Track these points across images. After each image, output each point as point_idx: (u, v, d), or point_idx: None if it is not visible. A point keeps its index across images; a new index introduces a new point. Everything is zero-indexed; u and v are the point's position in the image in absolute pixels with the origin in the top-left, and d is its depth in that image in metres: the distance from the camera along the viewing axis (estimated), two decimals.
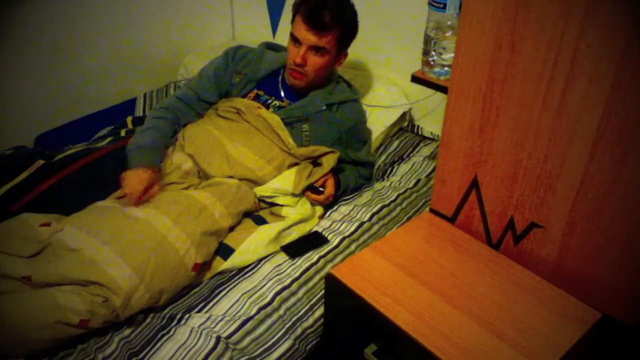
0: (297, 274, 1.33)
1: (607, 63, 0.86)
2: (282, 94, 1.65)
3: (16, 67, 1.84)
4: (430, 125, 1.91)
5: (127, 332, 1.18)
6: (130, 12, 2.09)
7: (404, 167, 1.77)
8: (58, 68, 1.94)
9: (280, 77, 1.66)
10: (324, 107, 1.62)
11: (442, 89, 1.39)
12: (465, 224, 1.20)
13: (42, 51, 1.88)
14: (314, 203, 1.54)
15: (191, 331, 1.17)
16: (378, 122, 1.84)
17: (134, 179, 1.37)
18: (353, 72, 1.96)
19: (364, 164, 1.71)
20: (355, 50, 2.01)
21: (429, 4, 1.35)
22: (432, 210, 1.26)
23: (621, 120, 0.87)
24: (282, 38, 2.20)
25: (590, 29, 0.86)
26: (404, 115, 1.89)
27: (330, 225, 1.50)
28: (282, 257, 1.38)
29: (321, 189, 1.53)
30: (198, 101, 1.64)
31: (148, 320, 1.21)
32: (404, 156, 1.83)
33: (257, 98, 1.64)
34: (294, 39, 1.53)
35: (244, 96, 1.64)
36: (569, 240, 1.02)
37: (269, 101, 1.64)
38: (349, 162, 1.67)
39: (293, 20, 1.54)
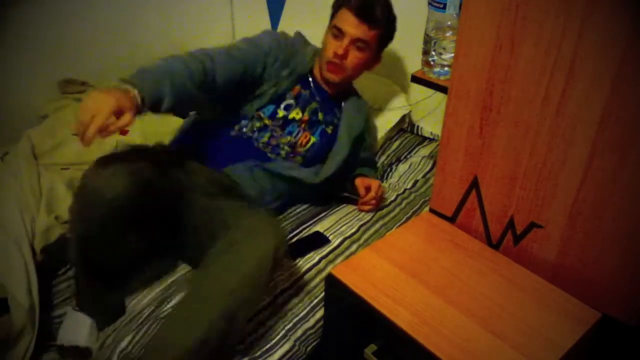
0: (298, 274, 1.33)
1: (607, 63, 0.86)
2: (316, 93, 1.60)
3: (15, 68, 1.84)
4: (430, 125, 1.91)
5: (127, 339, 1.18)
6: (130, 12, 2.09)
7: (402, 167, 1.77)
8: (58, 68, 1.94)
9: (309, 77, 1.60)
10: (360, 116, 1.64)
11: (442, 89, 1.39)
12: (465, 224, 1.20)
13: (42, 51, 1.88)
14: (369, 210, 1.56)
15: None
16: (378, 125, 1.84)
17: (96, 98, 1.08)
18: None
19: (370, 159, 1.73)
20: None
21: (429, 4, 1.35)
22: (432, 210, 1.26)
23: (621, 120, 0.87)
24: None
25: (590, 29, 0.86)
26: (403, 117, 1.89)
27: (331, 225, 1.50)
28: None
29: (354, 197, 1.55)
30: (234, 69, 1.42)
31: (151, 323, 1.21)
32: (404, 156, 1.83)
33: (298, 97, 1.56)
34: (337, 32, 1.49)
35: (289, 90, 1.54)
36: (569, 240, 1.02)
37: (308, 101, 1.58)
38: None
39: (335, 14, 1.52)
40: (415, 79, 1.46)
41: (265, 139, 1.52)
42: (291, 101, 1.54)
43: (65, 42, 1.93)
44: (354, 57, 1.50)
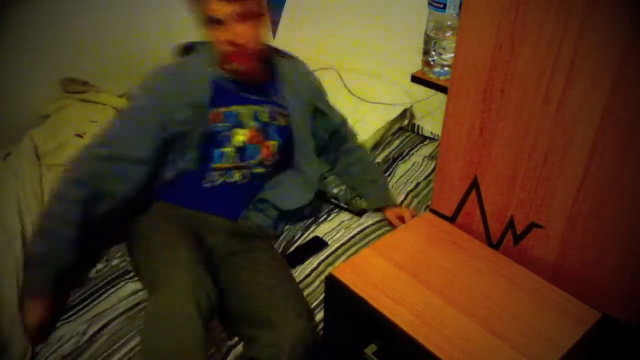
0: (299, 279, 1.33)
1: (607, 63, 0.86)
2: (242, 94, 1.38)
3: (16, 68, 1.84)
4: (431, 125, 1.91)
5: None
6: (130, 12, 2.09)
7: (403, 167, 1.76)
8: (58, 68, 1.94)
9: (222, 80, 1.36)
10: (301, 79, 1.45)
11: (442, 89, 1.39)
12: (465, 224, 1.20)
13: (42, 51, 1.88)
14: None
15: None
16: (379, 118, 1.83)
17: (28, 313, 1.16)
18: (353, 72, 1.96)
19: (343, 125, 1.59)
20: (356, 50, 2.01)
21: (429, 4, 1.35)
22: (432, 210, 1.26)
23: (621, 120, 0.87)
24: (282, 38, 2.21)
25: (590, 29, 0.86)
26: (404, 112, 1.89)
27: (331, 230, 1.49)
28: None
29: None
30: (131, 164, 1.29)
31: None
32: (406, 153, 1.82)
33: (229, 119, 1.36)
34: (214, 22, 1.25)
35: (209, 125, 1.34)
36: (569, 240, 1.02)
37: (241, 112, 1.37)
38: (330, 136, 1.55)
39: (197, 1, 1.27)
40: (415, 79, 1.46)
41: (238, 177, 1.39)
42: (226, 132, 1.36)
43: (65, 42, 1.94)
44: (247, 32, 1.27)
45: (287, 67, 1.45)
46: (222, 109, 1.36)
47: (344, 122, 1.60)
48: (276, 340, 1.11)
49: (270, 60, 1.42)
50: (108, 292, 1.27)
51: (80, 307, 1.24)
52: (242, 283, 1.24)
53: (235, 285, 1.24)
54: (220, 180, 1.38)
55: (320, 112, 1.50)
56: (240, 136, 1.37)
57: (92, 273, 1.32)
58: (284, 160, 1.47)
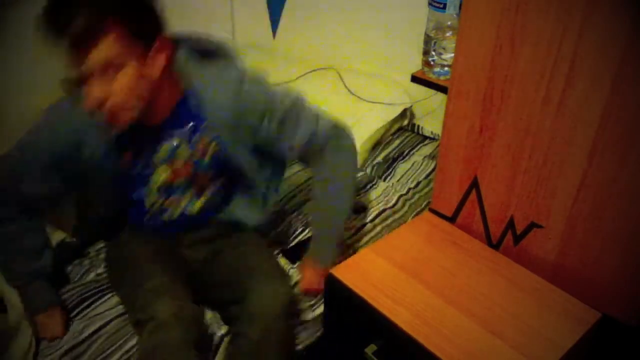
0: (299, 276, 1.33)
1: (607, 63, 0.86)
2: (152, 134, 1.13)
3: (15, 68, 1.84)
4: (431, 125, 1.91)
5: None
6: None
7: (403, 167, 1.76)
8: (58, 68, 1.94)
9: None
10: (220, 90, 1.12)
11: (442, 89, 1.39)
12: (465, 224, 1.20)
13: (42, 51, 1.88)
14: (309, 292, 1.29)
15: None
16: (379, 117, 1.83)
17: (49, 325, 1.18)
18: (353, 72, 1.96)
19: (308, 142, 1.19)
20: (356, 50, 2.01)
21: (429, 4, 1.35)
22: (432, 210, 1.26)
23: (621, 120, 0.87)
24: (282, 38, 2.21)
25: (590, 29, 0.86)
26: (404, 112, 1.89)
27: None
28: (284, 261, 1.38)
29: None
30: (27, 199, 1.14)
31: None
32: (406, 153, 1.82)
33: (138, 162, 1.15)
34: (74, 83, 1.04)
35: (120, 168, 1.15)
36: (569, 240, 1.02)
37: (155, 147, 1.14)
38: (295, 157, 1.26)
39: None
40: (415, 79, 1.46)
41: (177, 213, 1.23)
42: (144, 173, 1.17)
43: None
44: (114, 90, 0.98)
45: (205, 80, 1.11)
46: (132, 153, 1.14)
47: (308, 139, 1.18)
48: (249, 310, 1.11)
49: (182, 78, 1.10)
50: (107, 296, 1.26)
51: (79, 308, 1.23)
52: (228, 273, 1.24)
53: (224, 277, 1.24)
54: (160, 221, 1.24)
55: (254, 128, 1.14)
56: (163, 175, 1.17)
57: (92, 276, 1.32)
58: (235, 176, 1.25)
